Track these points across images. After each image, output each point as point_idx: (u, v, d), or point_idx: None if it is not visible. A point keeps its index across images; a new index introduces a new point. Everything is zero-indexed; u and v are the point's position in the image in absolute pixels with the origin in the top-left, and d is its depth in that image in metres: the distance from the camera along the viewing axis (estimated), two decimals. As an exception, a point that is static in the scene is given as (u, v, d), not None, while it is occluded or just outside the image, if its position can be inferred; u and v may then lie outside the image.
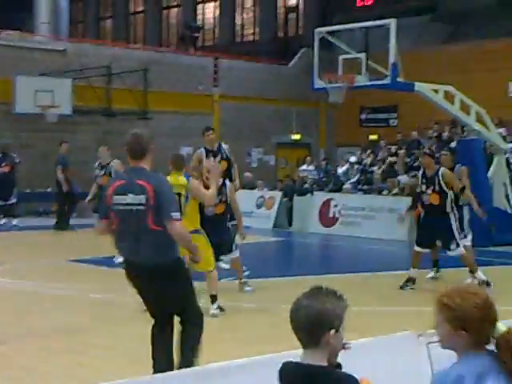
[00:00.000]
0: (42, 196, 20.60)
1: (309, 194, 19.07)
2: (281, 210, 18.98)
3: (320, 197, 18.52)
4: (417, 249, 10.34)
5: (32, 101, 20.12)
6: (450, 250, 10.06)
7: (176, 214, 5.21)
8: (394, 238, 15.76)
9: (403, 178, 18.17)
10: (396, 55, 14.33)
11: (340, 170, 21.00)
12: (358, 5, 25.93)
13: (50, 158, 20.89)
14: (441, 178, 9.90)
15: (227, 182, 9.70)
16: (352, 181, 19.69)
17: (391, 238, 15.74)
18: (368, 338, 4.54)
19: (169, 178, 7.28)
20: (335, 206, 17.77)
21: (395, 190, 17.72)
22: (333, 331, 2.72)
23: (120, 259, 10.99)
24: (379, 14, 21.84)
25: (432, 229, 10.03)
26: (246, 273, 10.62)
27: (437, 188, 9.89)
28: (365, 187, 19.21)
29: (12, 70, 20.31)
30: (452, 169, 10.88)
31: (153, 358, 5.44)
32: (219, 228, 9.13)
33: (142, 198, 5.13)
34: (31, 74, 20.60)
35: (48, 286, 10.00)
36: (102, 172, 12.01)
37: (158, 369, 5.28)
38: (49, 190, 20.74)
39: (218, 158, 10.74)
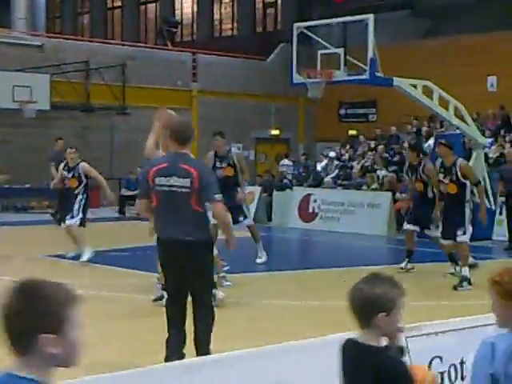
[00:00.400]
0: (20, 192, 20.46)
1: (288, 189, 19.08)
2: (260, 205, 18.97)
3: (299, 192, 18.55)
4: (443, 242, 10.38)
5: (10, 96, 19.96)
6: (456, 236, 10.14)
7: (219, 197, 5.71)
8: (373, 233, 15.83)
9: (382, 173, 18.26)
10: (374, 50, 14.36)
11: (319, 166, 21.03)
12: (336, 0, 25.94)
13: (28, 153, 20.77)
14: (458, 169, 10.09)
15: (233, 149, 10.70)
16: (331, 176, 19.73)
17: (370, 233, 15.80)
18: (348, 332, 4.56)
19: None
20: (315, 201, 17.80)
21: (374, 185, 17.79)
22: (382, 314, 2.89)
23: (71, 254, 11.10)
24: (358, 8, 21.90)
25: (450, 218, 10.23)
26: (226, 268, 10.61)
27: (454, 178, 10.12)
28: (344, 182, 19.26)
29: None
30: (418, 165, 11.00)
31: (167, 347, 5.68)
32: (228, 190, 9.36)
33: (186, 182, 5.57)
34: (8, 69, 20.42)
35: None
36: (70, 175, 11.75)
37: (171, 346, 5.65)
38: (27, 185, 20.60)
39: (225, 163, 10.82)
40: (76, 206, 11.58)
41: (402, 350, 3.06)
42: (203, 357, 3.79)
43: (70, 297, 2.16)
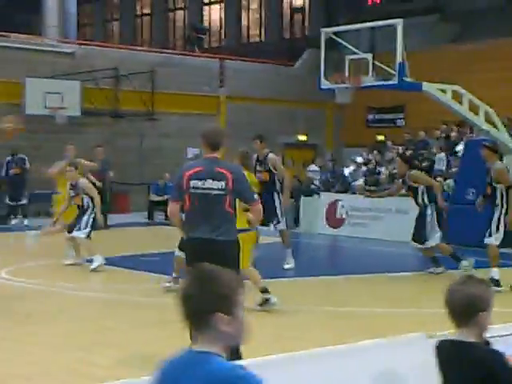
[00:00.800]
0: (51, 197, 20.65)
1: (316, 195, 19.07)
2: (287, 211, 18.95)
3: (327, 197, 18.53)
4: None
5: (42, 103, 20.28)
6: (484, 237, 10.22)
7: (256, 197, 6.19)
8: (401, 239, 15.74)
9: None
10: (403, 55, 14.32)
11: (347, 171, 20.99)
12: (364, 5, 25.93)
13: (60, 158, 20.96)
14: (492, 172, 10.33)
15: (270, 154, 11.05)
16: (359, 182, 19.67)
17: (399, 239, 15.72)
18: (378, 339, 4.56)
19: None
20: (342, 206, 17.77)
21: (403, 191, 17.68)
22: (483, 313, 3.18)
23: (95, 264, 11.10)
24: (386, 13, 21.85)
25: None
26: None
27: (488, 180, 10.41)
28: (372, 188, 19.19)
29: (22, 73, 20.42)
30: (404, 175, 11.55)
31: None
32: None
33: (221, 184, 5.87)
34: (41, 76, 20.71)
35: (59, 285, 10.05)
36: (74, 193, 11.76)
37: None
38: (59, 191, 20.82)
39: (262, 167, 10.98)
40: (84, 219, 11.59)
41: (488, 344, 3.32)
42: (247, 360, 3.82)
43: (239, 282, 2.50)
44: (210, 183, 5.88)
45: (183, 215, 6.22)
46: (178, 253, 9.56)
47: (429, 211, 11.48)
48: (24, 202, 18.63)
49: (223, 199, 5.90)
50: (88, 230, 11.60)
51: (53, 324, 7.92)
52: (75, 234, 11.61)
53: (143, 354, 6.59)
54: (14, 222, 18.46)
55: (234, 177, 5.91)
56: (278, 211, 11.37)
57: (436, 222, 11.49)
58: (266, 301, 8.50)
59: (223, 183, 5.88)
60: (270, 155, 11.43)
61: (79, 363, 6.29)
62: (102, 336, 7.31)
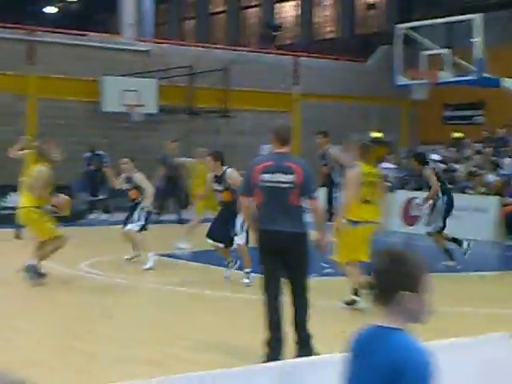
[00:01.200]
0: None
1: (391, 192, 18.87)
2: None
3: (402, 195, 18.33)
4: None
5: (119, 100, 20.69)
6: None
7: (316, 193, 6.43)
8: (479, 238, 15.47)
9: (491, 177, 17.80)
10: (481, 50, 14.07)
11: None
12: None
13: (136, 155, 21.39)
14: None
15: (228, 169, 10.19)
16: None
17: (477, 238, 15.44)
18: (460, 339, 4.52)
19: (360, 167, 8.48)
20: (418, 204, 17.52)
21: (482, 189, 17.37)
22: (404, 292, 2.61)
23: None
24: (461, 8, 21.45)
25: None
26: (327, 270, 10.61)
27: None
28: (448, 186, 18.87)
29: (100, 71, 20.90)
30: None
31: (269, 323, 6.11)
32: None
33: (290, 177, 6.05)
34: (117, 74, 21.15)
35: (137, 279, 10.26)
36: (130, 185, 11.85)
37: (273, 335, 6.06)
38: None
39: (323, 162, 11.06)
40: (137, 214, 11.53)
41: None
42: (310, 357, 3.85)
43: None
44: (279, 176, 6.07)
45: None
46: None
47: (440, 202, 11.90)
48: (102, 197, 19.14)
49: (291, 192, 6.07)
50: (141, 223, 11.47)
51: (134, 317, 8.08)
52: (129, 226, 11.52)
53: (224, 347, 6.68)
54: (92, 216, 18.99)
55: (302, 171, 6.10)
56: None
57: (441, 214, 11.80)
58: (353, 302, 8.46)
59: (292, 176, 6.06)
60: (332, 149, 11.53)
61: (162, 355, 6.41)
62: (178, 330, 7.43)
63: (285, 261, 6.16)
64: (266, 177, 6.09)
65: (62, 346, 6.70)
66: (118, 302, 8.89)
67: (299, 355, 5.98)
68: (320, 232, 6.37)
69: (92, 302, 8.79)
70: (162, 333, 7.25)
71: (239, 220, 9.83)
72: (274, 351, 6.01)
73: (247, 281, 9.81)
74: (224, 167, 10.29)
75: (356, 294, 8.43)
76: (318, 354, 6.26)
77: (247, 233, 9.67)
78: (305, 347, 6.17)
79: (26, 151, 12.11)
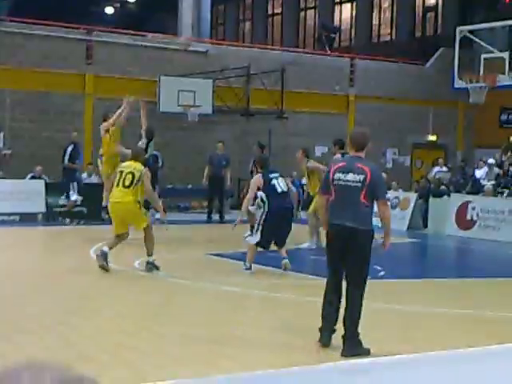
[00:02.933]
0: (182, 192, 21.48)
1: (445, 196, 18.73)
2: (416, 212, 18.76)
3: (457, 199, 18.15)
4: None
5: (175, 100, 20.95)
6: None
7: (386, 197, 6.96)
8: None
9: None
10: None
11: (478, 172, 20.45)
12: (501, 2, 25.13)
13: (191, 155, 21.72)
14: None
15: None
16: (491, 183, 19.14)
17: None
18: (504, 345, 4.51)
19: None
20: (473, 208, 17.36)
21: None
22: None
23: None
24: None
25: None
26: (381, 273, 10.63)
27: None
28: (504, 190, 18.64)
29: (157, 71, 21.22)
30: None
31: (323, 317, 6.70)
32: None
33: (360, 177, 6.58)
34: (174, 74, 21.43)
35: (188, 278, 10.39)
36: None
37: (326, 327, 6.64)
38: (189, 186, 21.53)
39: None
40: None
41: None
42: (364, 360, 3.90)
43: None
44: (350, 176, 6.63)
45: None
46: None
47: None
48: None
49: (360, 191, 6.57)
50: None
51: (188, 316, 8.17)
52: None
53: (275, 347, 6.76)
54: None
55: (372, 173, 6.62)
56: None
57: None
58: None
59: (362, 177, 6.59)
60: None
61: (212, 355, 6.50)
62: (235, 329, 7.51)
63: (346, 254, 6.63)
64: (339, 176, 6.70)
65: (115, 342, 6.81)
66: (172, 300, 9.00)
67: (345, 350, 6.41)
68: (385, 234, 6.86)
69: (147, 300, 8.92)
70: (214, 332, 7.32)
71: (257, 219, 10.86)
72: (322, 340, 6.64)
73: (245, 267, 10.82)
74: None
75: None
76: (366, 353, 6.33)
77: (261, 234, 10.62)
78: (350, 344, 6.45)
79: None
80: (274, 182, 11.00)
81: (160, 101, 21.05)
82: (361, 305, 6.58)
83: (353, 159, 6.85)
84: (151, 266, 10.61)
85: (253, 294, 9.43)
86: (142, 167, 10.78)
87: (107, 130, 13.54)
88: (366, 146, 6.85)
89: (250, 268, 10.86)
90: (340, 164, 6.91)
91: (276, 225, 10.66)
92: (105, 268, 10.22)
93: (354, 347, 6.40)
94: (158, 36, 23.31)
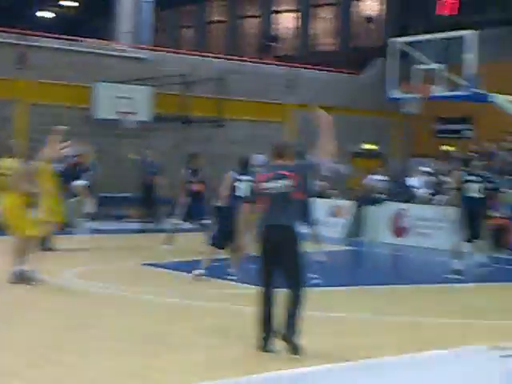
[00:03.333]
0: (119, 200, 21.16)
1: (381, 204, 18.98)
2: (352, 219, 18.96)
3: (392, 207, 18.42)
4: None
5: (112, 107, 20.70)
6: None
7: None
8: (466, 249, 15.54)
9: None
10: (474, 66, 14.19)
11: (413, 181, 20.81)
12: (437, 15, 25.63)
13: (129, 163, 21.48)
14: None
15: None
16: (425, 192, 19.49)
17: (464, 249, 15.52)
18: (440, 351, 4.57)
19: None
20: (407, 216, 17.64)
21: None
22: None
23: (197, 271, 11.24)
24: (458, 24, 21.58)
25: None
26: (317, 281, 10.68)
27: None
28: (437, 198, 19.00)
29: (93, 77, 20.94)
30: None
31: (262, 319, 6.75)
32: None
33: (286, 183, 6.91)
34: (112, 80, 21.19)
35: (122, 288, 10.24)
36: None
37: (266, 329, 6.72)
38: (126, 194, 21.25)
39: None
40: None
41: None
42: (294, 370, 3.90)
43: None
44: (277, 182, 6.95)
45: None
46: None
47: None
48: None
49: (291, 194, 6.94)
50: None
51: (120, 328, 8.01)
52: None
53: (202, 359, 6.70)
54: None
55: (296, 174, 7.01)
56: None
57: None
58: None
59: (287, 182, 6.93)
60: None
61: (139, 367, 6.36)
62: (163, 341, 7.40)
63: (279, 255, 6.81)
64: (268, 184, 6.97)
65: (40, 356, 6.60)
66: (102, 312, 8.82)
67: (292, 348, 6.50)
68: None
69: (75, 312, 8.70)
70: (145, 344, 7.19)
71: None
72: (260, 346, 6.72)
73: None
74: None
75: None
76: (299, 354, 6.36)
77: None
78: (294, 338, 6.56)
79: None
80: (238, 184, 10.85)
81: (96, 107, 20.78)
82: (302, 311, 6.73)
83: (276, 167, 7.13)
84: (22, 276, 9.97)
85: (188, 305, 9.35)
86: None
87: None
88: (289, 154, 7.26)
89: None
90: (266, 175, 7.14)
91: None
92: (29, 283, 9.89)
93: (297, 341, 6.52)
94: (94, 41, 23.03)
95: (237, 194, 10.62)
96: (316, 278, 10.49)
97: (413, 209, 17.89)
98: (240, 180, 10.88)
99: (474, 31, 14.39)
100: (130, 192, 20.93)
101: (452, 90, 14.87)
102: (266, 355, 6.61)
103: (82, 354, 6.72)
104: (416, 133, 26.20)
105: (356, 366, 3.81)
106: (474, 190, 12.29)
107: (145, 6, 25.79)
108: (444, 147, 23.73)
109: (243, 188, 10.60)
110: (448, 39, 15.16)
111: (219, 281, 10.87)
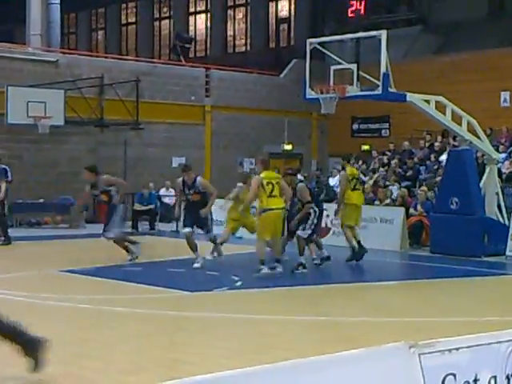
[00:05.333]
0: (33, 207, 20.53)
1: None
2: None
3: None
4: None
5: (24, 111, 20.10)
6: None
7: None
8: (386, 248, 15.79)
9: (395, 189, 18.22)
10: (387, 66, 14.39)
11: (332, 181, 21.01)
12: (349, 15, 26.03)
13: (42, 168, 20.93)
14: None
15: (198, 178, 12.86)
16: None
17: (383, 248, 15.77)
18: (359, 349, 4.53)
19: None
20: (327, 216, 17.74)
21: (387, 201, 17.76)
22: None
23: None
24: (371, 24, 21.96)
25: None
26: (238, 283, 10.61)
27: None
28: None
29: (4, 81, 20.29)
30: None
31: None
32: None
33: None
34: (23, 84, 20.59)
35: (39, 296, 9.94)
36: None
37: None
38: (41, 200, 20.68)
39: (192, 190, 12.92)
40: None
41: None
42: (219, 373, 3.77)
43: None
44: None
45: None
46: None
47: None
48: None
49: None
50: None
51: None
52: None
53: (125, 366, 6.53)
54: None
55: None
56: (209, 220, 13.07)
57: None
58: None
59: None
60: (199, 179, 12.86)
61: (64, 376, 6.19)
62: (84, 348, 7.23)
63: None
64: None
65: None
66: (21, 320, 8.54)
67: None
68: None
69: None
70: (66, 352, 6.98)
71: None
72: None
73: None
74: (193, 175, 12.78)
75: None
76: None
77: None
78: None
79: None
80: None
81: (8, 112, 20.14)
82: None
83: None
84: None
85: (105, 311, 9.11)
86: None
87: None
88: None
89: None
90: None
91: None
92: None
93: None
94: (5, 45, 22.34)
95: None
96: (238, 280, 10.42)
97: (333, 208, 18.00)
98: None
99: (384, 31, 14.61)
100: (46, 198, 20.40)
101: (367, 90, 15.05)
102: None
103: (3, 364, 6.48)
104: (333, 132, 26.53)
105: (271, 368, 3.74)
106: None
107: (53, 8, 25.18)
108: (364, 147, 24.10)
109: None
110: (359, 39, 15.35)
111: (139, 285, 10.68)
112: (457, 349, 4.10)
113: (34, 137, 20.76)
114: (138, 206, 20.22)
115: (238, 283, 10.86)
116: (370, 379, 4.10)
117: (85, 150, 21.97)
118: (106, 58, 25.89)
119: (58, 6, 25.50)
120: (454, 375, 4.06)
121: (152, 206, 20.10)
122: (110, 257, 13.25)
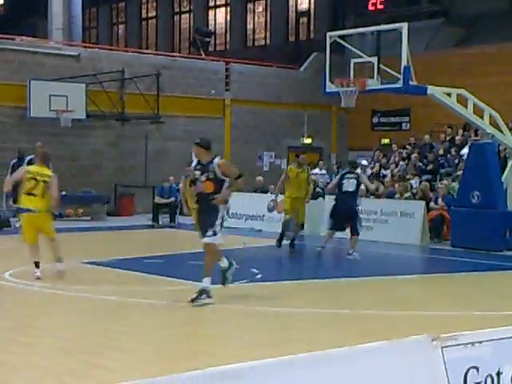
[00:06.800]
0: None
1: (320, 198, 19.05)
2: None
3: (332, 200, 18.48)
4: None
5: (46, 105, 20.27)
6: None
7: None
8: (406, 242, 15.76)
9: (415, 182, 18.15)
10: (408, 59, 14.35)
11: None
12: (370, 8, 25.93)
13: (64, 161, 21.09)
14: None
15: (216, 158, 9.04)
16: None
17: (404, 242, 15.74)
18: (382, 342, 4.55)
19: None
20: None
21: (407, 194, 17.71)
22: None
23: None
24: (391, 17, 21.86)
25: None
26: (258, 276, 10.64)
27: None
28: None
29: (26, 75, 20.46)
30: None
31: None
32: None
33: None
34: (46, 78, 20.75)
35: (63, 287, 10.03)
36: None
37: None
38: (63, 193, 20.83)
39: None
40: None
41: None
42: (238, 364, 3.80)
43: None
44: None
45: None
46: None
47: None
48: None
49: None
50: None
51: (60, 327, 7.90)
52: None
53: (147, 357, 6.60)
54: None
55: None
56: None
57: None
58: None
59: None
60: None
61: (86, 366, 6.27)
62: (107, 338, 7.30)
63: None
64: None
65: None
66: (44, 311, 8.66)
67: None
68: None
69: (17, 311, 8.54)
70: (88, 342, 7.07)
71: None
72: None
73: None
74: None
75: None
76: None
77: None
78: None
79: None
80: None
81: (30, 106, 20.32)
82: None
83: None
84: None
85: (128, 302, 9.19)
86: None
87: None
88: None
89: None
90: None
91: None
92: None
93: None
94: (27, 39, 22.50)
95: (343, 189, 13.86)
96: (258, 273, 10.46)
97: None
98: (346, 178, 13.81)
99: (405, 23, 14.56)
100: (68, 191, 20.53)
101: (387, 83, 15.01)
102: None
103: (23, 353, 6.57)
104: (353, 126, 26.46)
105: (296, 360, 3.77)
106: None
107: (74, 2, 25.33)
108: (384, 140, 24.03)
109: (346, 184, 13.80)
110: (380, 32, 15.29)
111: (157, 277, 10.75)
112: (480, 342, 4.11)
113: (56, 130, 20.91)
114: (158, 199, 20.31)
115: (259, 276, 10.90)
116: (392, 372, 4.12)
117: (106, 143, 22.12)
118: (126, 51, 25.99)
119: (80, 0, 25.65)
120: (477, 368, 4.07)
121: (172, 199, 20.17)
122: (131, 249, 13.33)
